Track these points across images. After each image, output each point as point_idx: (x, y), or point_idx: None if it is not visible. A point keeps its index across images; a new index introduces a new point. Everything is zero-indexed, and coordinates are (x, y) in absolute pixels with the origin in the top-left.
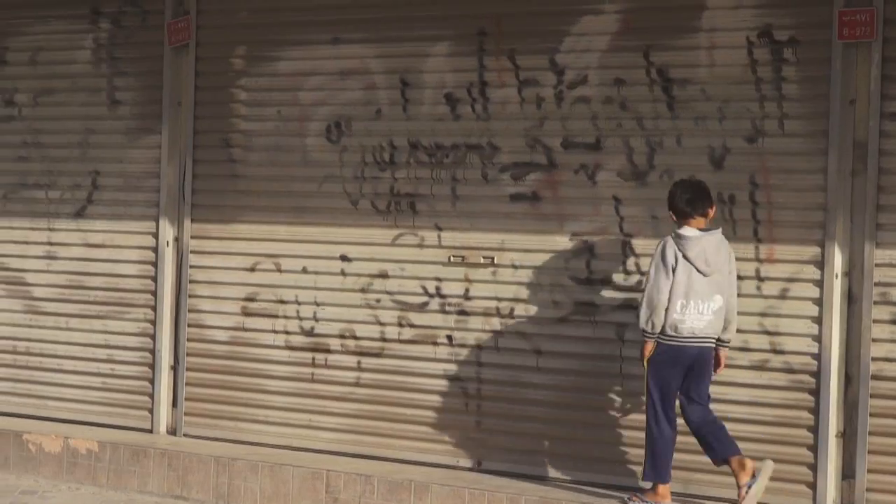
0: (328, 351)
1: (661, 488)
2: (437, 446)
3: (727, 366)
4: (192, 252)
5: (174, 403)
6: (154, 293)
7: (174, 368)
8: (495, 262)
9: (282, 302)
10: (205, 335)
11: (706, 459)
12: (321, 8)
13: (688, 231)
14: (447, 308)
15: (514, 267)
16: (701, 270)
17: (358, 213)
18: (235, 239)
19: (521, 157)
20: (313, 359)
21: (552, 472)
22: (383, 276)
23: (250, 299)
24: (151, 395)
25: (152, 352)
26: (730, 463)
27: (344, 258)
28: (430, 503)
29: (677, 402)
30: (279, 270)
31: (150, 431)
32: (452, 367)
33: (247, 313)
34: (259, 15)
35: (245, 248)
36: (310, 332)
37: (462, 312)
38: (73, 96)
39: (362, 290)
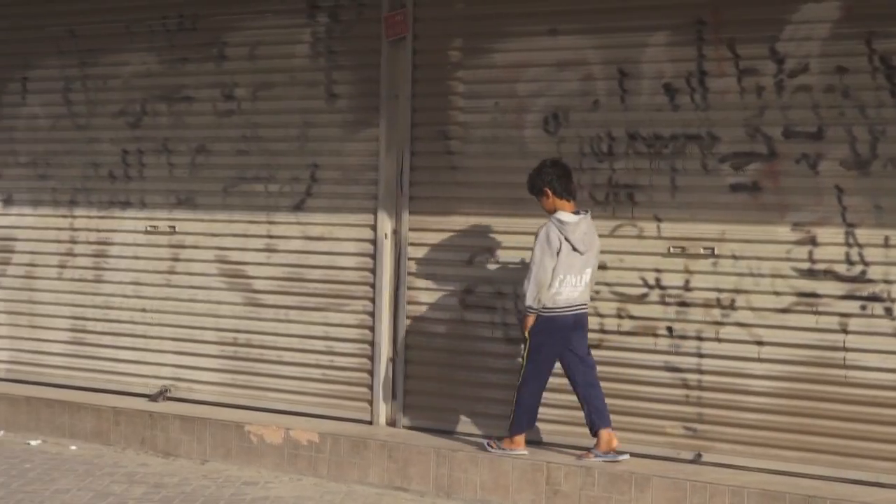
0: None
1: (517, 437)
2: (657, 438)
3: None
4: (410, 244)
5: (393, 395)
6: (373, 285)
7: (393, 360)
8: (715, 252)
9: (500, 294)
10: (423, 327)
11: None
12: None
13: (566, 217)
14: (667, 299)
15: (735, 257)
16: (579, 250)
17: (577, 205)
18: (453, 231)
19: (740, 147)
20: None
21: (774, 464)
22: (602, 267)
23: (468, 291)
24: (371, 387)
25: (371, 344)
26: (599, 434)
27: None
28: (651, 495)
29: (562, 362)
30: (496, 262)
31: (370, 423)
32: (672, 359)
33: (465, 305)
34: (476, 6)
35: (463, 240)
36: None
37: (682, 303)
38: (292, 90)
39: None
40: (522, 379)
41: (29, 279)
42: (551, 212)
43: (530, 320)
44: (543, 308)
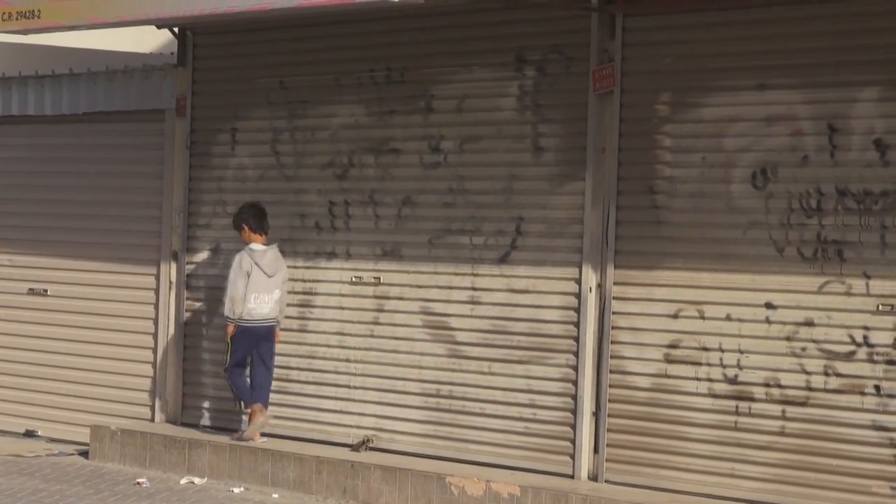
0: (752, 399)
1: (255, 408)
2: (862, 498)
3: None
4: (614, 298)
5: (595, 449)
6: (576, 339)
7: (595, 414)
8: None
9: (705, 349)
10: (627, 381)
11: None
12: (747, 54)
13: (256, 246)
14: (875, 357)
15: None
16: (267, 273)
17: (783, 261)
18: (658, 285)
19: None
20: (737, 407)
21: None
22: (809, 324)
23: (673, 346)
24: (573, 441)
25: (574, 397)
26: (253, 409)
27: (769, 306)
28: None
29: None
30: (702, 317)
31: (571, 477)
32: (880, 417)
33: (669, 360)
34: (684, 61)
35: (668, 294)
36: (733, 380)
37: (890, 362)
38: (498, 143)
39: (787, 339)
40: (228, 371)
41: None
42: (247, 243)
43: (231, 328)
44: (241, 319)
